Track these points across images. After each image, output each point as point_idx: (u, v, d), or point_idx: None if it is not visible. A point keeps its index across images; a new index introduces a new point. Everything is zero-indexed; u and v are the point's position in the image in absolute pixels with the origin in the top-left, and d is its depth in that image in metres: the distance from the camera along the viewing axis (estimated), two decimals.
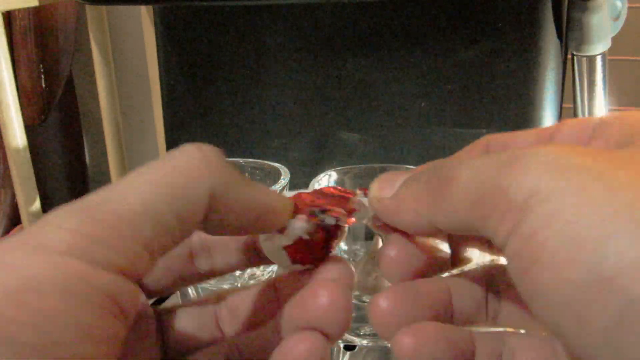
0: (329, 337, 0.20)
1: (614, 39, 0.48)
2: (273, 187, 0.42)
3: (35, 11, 0.84)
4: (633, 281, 0.13)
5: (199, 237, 0.23)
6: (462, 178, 0.17)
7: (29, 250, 0.15)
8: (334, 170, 0.44)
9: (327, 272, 0.22)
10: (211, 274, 0.23)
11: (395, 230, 0.21)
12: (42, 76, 0.88)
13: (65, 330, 0.14)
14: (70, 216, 0.16)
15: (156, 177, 0.17)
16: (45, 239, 0.15)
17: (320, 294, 0.19)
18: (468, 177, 0.17)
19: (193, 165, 0.18)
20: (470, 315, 0.21)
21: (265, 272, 0.45)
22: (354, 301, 0.40)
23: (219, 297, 0.23)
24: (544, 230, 0.14)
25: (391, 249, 0.21)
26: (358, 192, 0.24)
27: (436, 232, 0.20)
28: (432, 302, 0.21)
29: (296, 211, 0.22)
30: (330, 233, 0.22)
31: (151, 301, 0.24)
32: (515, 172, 0.15)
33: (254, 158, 0.48)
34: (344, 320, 0.20)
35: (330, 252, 0.22)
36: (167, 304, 0.24)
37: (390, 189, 0.20)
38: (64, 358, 0.14)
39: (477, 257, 0.23)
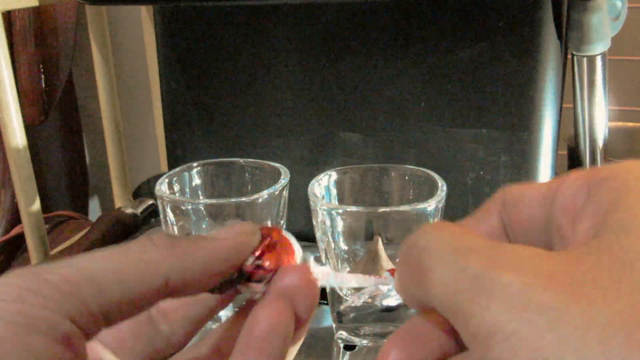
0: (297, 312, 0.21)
1: (614, 39, 0.48)
2: (273, 187, 0.42)
3: (35, 11, 0.84)
4: None
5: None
6: (433, 279, 0.17)
7: None
8: (334, 170, 0.44)
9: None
10: (180, 341, 0.24)
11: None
12: (42, 76, 0.88)
13: None
14: (21, 274, 0.18)
15: (109, 256, 0.19)
16: None
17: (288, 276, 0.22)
18: (439, 282, 0.17)
19: (146, 251, 0.19)
20: None
21: None
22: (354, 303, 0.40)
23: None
24: None
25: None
26: (386, 273, 0.24)
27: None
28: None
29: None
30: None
31: None
32: (479, 303, 0.15)
33: (254, 158, 0.48)
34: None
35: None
36: None
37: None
38: None
39: None
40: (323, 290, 0.44)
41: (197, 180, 0.48)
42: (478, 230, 0.22)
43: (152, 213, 0.67)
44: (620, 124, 0.70)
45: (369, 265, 0.40)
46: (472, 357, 0.16)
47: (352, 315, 0.41)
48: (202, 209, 0.42)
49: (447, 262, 0.17)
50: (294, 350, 0.23)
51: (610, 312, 0.14)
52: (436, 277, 0.17)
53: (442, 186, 0.40)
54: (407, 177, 0.44)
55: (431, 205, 0.38)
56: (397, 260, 0.21)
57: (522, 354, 0.14)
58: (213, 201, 0.42)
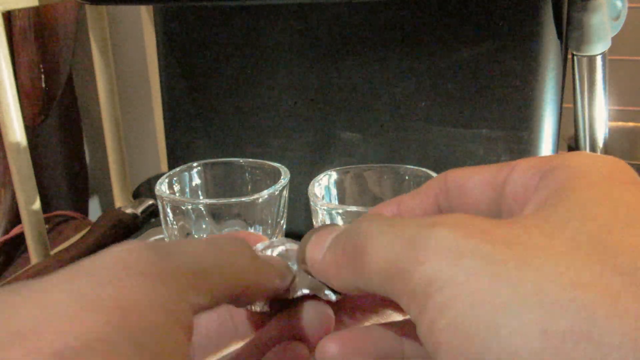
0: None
1: (614, 39, 0.48)
2: (273, 187, 0.42)
3: (35, 11, 0.84)
4: None
5: None
6: (372, 254, 0.18)
7: (127, 270, 0.16)
8: (334, 170, 0.44)
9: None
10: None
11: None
12: (42, 76, 0.88)
13: (164, 345, 0.15)
14: (147, 250, 0.17)
15: (210, 250, 0.20)
16: (134, 264, 0.17)
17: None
18: (377, 253, 0.17)
19: (239, 257, 0.21)
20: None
21: None
22: None
23: None
24: (439, 320, 0.15)
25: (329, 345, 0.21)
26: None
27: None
28: (381, 349, 0.21)
29: None
30: None
31: None
32: (416, 258, 0.16)
33: (254, 158, 0.48)
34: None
35: None
36: None
37: (320, 250, 0.21)
38: None
39: None
40: None
41: (197, 180, 0.48)
42: (412, 209, 0.22)
43: (152, 213, 0.67)
44: (620, 124, 0.70)
45: None
46: (412, 314, 0.16)
47: None
48: (202, 209, 0.42)
49: (383, 237, 0.17)
50: None
51: (546, 260, 0.14)
52: (373, 253, 0.17)
53: None
54: (407, 177, 0.44)
55: None
56: (312, 250, 0.21)
57: (460, 299, 0.14)
58: (213, 201, 0.42)
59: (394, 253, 0.17)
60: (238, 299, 0.21)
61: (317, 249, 0.21)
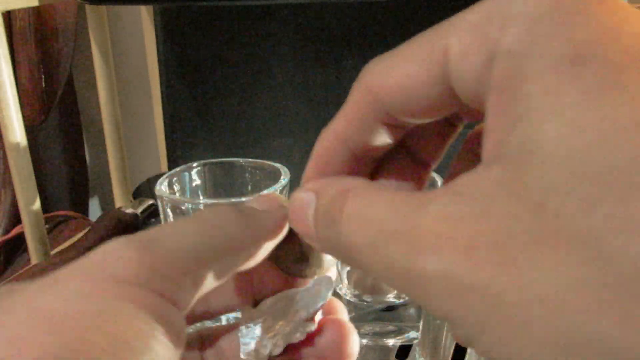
0: None
1: None
2: (273, 187, 0.43)
3: (35, 11, 0.84)
4: None
5: None
6: (364, 258, 0.17)
7: (99, 279, 0.16)
8: None
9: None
10: (207, 316, 0.24)
11: None
12: (42, 76, 0.88)
13: (140, 357, 0.15)
14: (128, 248, 0.17)
15: (200, 231, 0.19)
16: (111, 269, 0.16)
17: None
18: (369, 256, 0.16)
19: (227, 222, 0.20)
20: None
21: None
22: (353, 300, 0.41)
23: (203, 338, 0.24)
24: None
25: None
26: None
27: None
28: None
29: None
30: None
31: None
32: (422, 299, 0.15)
33: (254, 158, 0.48)
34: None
35: None
36: None
37: (308, 228, 0.20)
38: None
39: None
40: None
41: (197, 180, 0.48)
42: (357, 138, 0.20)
43: (152, 213, 0.67)
44: None
45: None
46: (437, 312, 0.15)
47: (351, 314, 0.41)
48: (202, 209, 0.42)
49: (373, 256, 0.16)
50: None
51: (540, 281, 0.12)
52: (369, 267, 0.16)
53: (442, 185, 0.40)
54: None
55: None
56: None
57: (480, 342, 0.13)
58: (213, 201, 0.42)
59: (394, 282, 0.15)
60: (242, 262, 0.20)
61: (304, 227, 0.19)
